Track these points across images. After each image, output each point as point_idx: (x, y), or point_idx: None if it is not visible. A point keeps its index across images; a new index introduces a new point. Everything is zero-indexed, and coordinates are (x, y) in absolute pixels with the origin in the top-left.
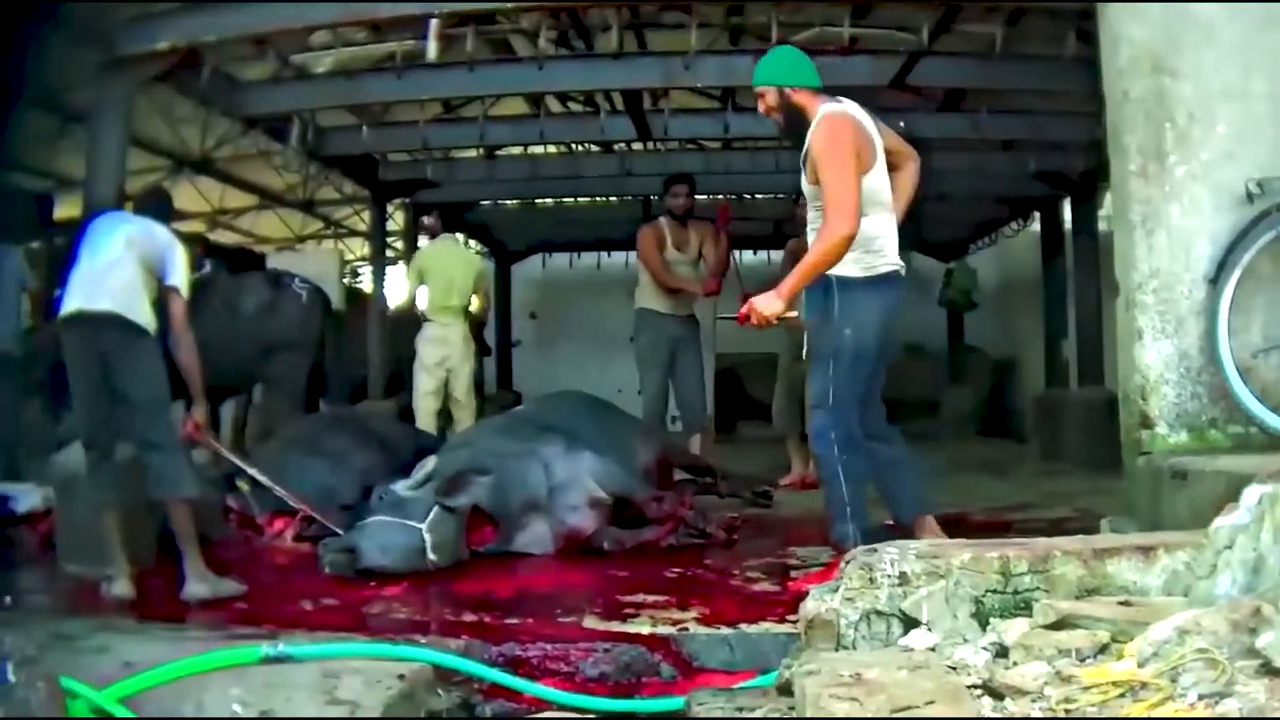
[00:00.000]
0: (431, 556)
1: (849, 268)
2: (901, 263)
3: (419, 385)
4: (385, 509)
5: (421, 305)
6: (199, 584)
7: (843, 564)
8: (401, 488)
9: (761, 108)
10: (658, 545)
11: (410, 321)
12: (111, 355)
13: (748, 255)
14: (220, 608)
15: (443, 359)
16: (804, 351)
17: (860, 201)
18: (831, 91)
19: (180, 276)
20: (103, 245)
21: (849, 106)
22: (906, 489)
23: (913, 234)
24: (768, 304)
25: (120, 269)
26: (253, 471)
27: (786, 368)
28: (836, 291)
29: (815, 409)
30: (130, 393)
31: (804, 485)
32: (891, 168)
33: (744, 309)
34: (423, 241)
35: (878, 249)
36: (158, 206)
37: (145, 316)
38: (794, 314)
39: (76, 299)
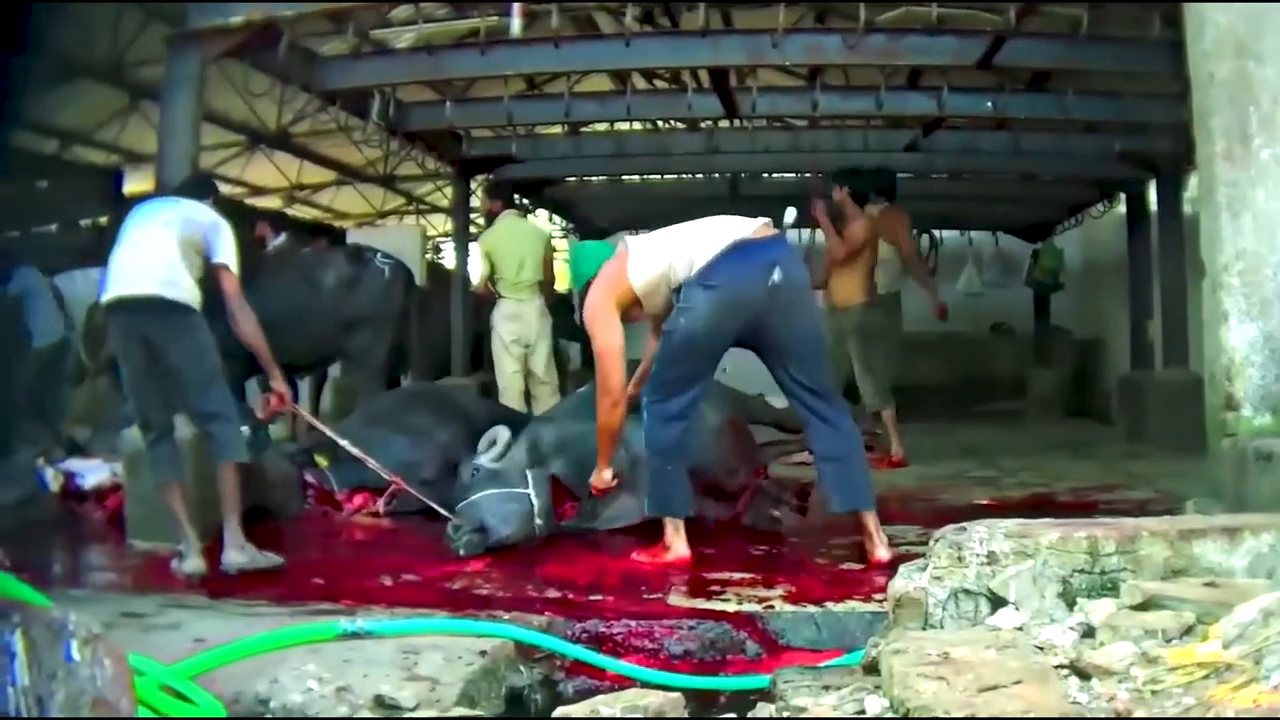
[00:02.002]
0: (538, 521)
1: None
2: (747, 233)
3: (503, 366)
4: (485, 483)
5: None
6: (237, 553)
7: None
8: (487, 460)
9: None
10: (739, 521)
11: (491, 300)
12: (157, 336)
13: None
14: (298, 583)
15: (519, 336)
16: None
17: (620, 374)
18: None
19: (227, 254)
20: (140, 230)
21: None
22: (839, 483)
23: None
24: (599, 480)
25: (158, 250)
26: (345, 443)
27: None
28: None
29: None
30: (181, 369)
31: (890, 464)
32: None
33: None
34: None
35: (703, 262)
36: (197, 187)
37: (187, 293)
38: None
39: (117, 285)
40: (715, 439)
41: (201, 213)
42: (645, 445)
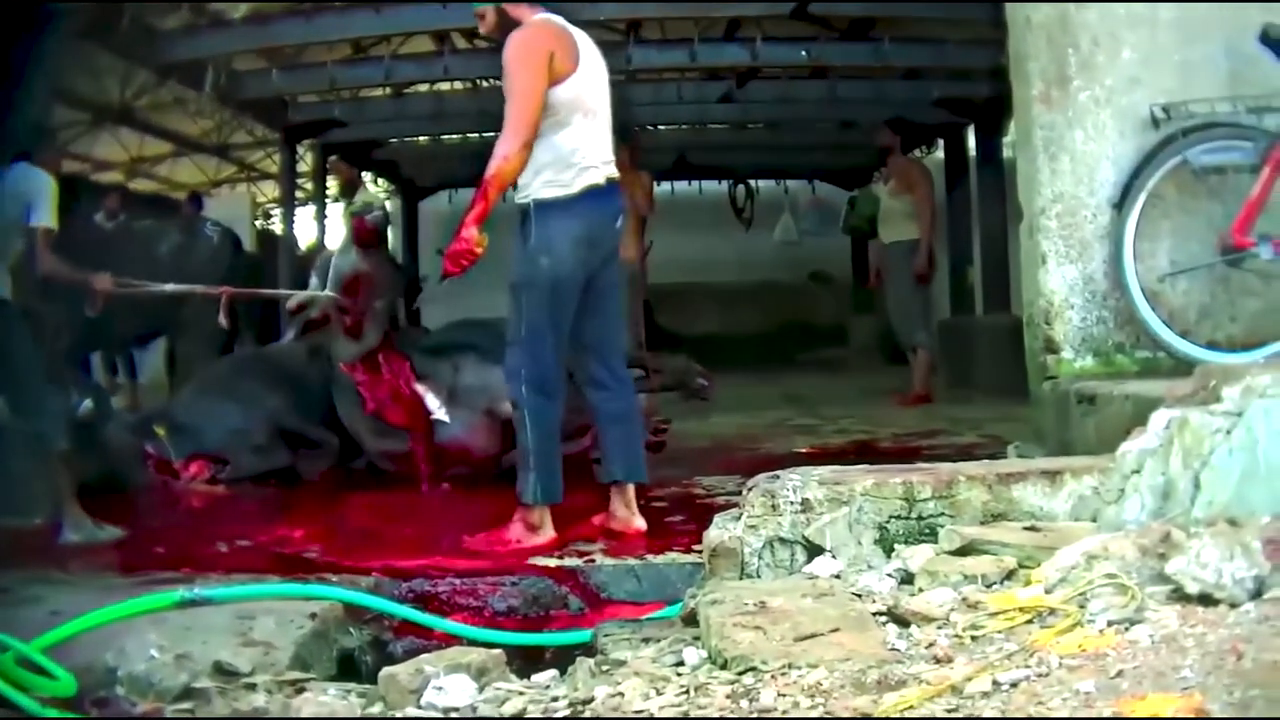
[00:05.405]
0: None
1: (544, 189)
2: (609, 174)
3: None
4: None
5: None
6: (73, 531)
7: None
8: None
9: (483, 29)
10: (587, 459)
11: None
12: None
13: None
14: (144, 553)
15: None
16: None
17: (537, 117)
18: None
19: (44, 215)
20: None
21: (561, 20)
22: (618, 450)
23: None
24: (464, 240)
25: None
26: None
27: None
28: (533, 217)
29: (509, 345)
30: None
31: (915, 400)
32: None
33: (446, 261)
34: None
35: (576, 162)
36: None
37: None
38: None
39: None
40: None
41: (22, 179)
42: (530, 429)
